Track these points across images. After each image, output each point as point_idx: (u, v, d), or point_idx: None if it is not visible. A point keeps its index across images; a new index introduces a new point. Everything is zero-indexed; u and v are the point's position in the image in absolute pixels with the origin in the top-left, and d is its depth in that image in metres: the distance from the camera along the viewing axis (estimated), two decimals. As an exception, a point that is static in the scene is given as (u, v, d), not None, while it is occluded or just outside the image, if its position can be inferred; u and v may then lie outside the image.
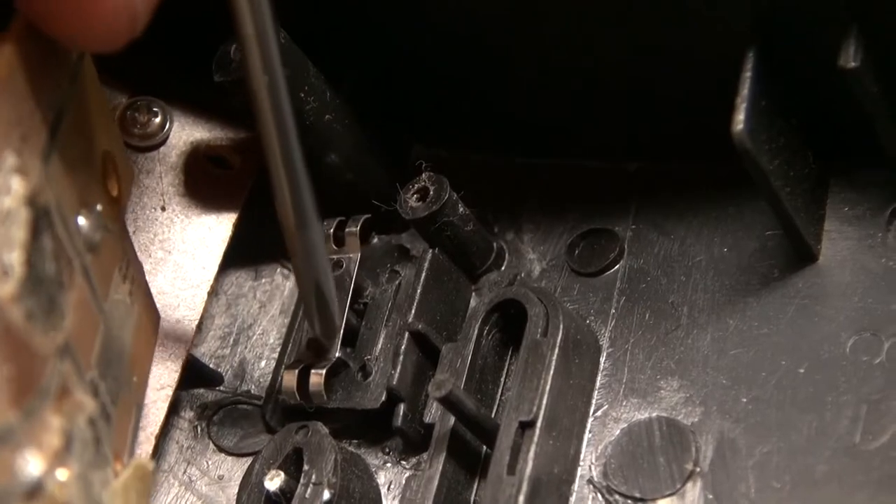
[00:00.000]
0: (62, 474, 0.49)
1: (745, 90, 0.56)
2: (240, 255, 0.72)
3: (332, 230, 0.67)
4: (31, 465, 0.47)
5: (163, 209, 0.69)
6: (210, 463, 0.68)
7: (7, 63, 0.49)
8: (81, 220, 0.55)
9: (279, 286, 0.73)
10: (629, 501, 0.58)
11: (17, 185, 0.47)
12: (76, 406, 0.51)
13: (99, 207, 0.57)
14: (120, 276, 0.59)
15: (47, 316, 0.49)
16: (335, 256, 0.67)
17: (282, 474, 0.61)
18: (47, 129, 0.52)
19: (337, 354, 0.64)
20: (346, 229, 0.68)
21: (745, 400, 0.58)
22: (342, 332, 0.64)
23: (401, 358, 0.63)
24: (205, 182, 0.70)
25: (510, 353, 0.64)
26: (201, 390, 0.70)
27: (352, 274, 0.66)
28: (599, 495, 0.59)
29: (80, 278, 0.53)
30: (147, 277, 0.65)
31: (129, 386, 0.59)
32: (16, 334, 0.46)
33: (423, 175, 0.66)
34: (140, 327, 0.61)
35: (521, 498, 0.56)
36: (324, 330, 0.63)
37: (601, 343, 0.63)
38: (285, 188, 0.56)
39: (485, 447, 0.60)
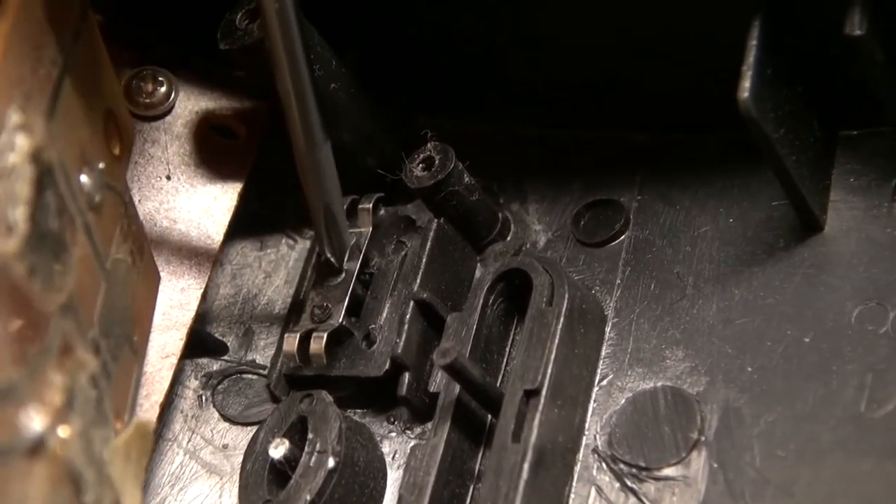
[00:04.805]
0: (64, 431, 0.49)
1: (750, 58, 0.56)
2: (245, 226, 0.72)
3: (345, 206, 0.68)
4: (34, 421, 0.47)
5: (168, 178, 0.69)
6: (215, 432, 0.68)
7: (9, 23, 0.49)
8: (84, 178, 0.55)
9: (284, 256, 0.73)
10: (634, 470, 0.58)
11: (22, 142, 0.48)
12: (78, 364, 0.51)
13: (101, 165, 0.57)
14: (121, 236, 0.59)
15: (51, 273, 0.49)
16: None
17: (286, 442, 0.61)
18: (51, 87, 0.52)
19: (341, 321, 0.64)
20: (360, 206, 0.68)
21: (750, 369, 0.58)
22: (348, 298, 0.65)
23: (406, 327, 0.63)
24: (210, 152, 0.70)
25: (515, 322, 0.64)
26: (206, 359, 0.70)
27: (361, 248, 0.66)
28: (604, 464, 0.59)
29: (82, 236, 0.54)
30: (152, 246, 0.65)
31: (130, 344, 0.59)
32: (19, 290, 0.47)
33: (429, 144, 0.66)
34: (141, 287, 0.62)
35: (526, 466, 0.56)
36: (332, 248, 0.64)
37: (606, 313, 0.63)
38: (294, 108, 0.58)
39: (490, 416, 0.60)
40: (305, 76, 0.57)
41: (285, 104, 0.58)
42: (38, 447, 0.47)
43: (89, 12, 0.58)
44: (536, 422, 0.57)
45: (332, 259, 0.65)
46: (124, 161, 0.62)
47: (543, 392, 0.58)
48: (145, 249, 0.63)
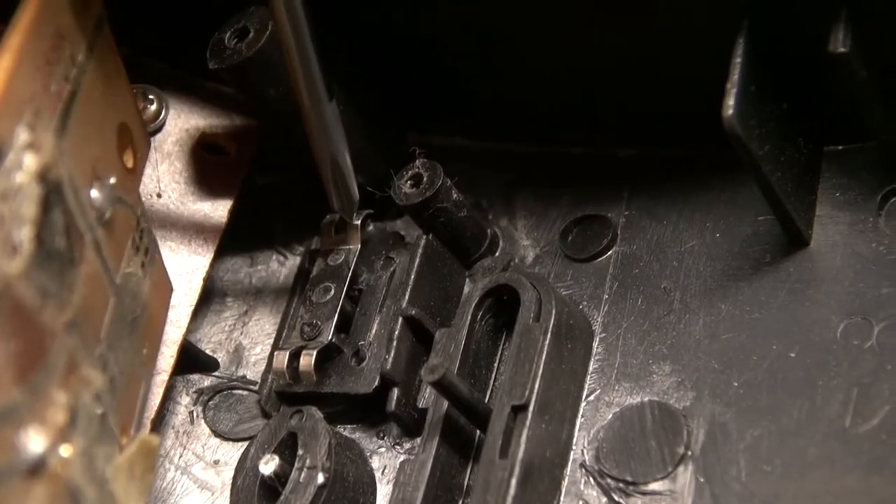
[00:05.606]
0: (66, 450, 0.48)
1: (735, 75, 0.56)
2: (235, 242, 0.72)
3: (334, 224, 0.68)
4: (34, 442, 0.47)
5: (159, 196, 0.70)
6: (206, 447, 0.68)
7: (20, 39, 0.49)
8: (94, 193, 0.54)
9: (274, 272, 0.73)
10: (621, 485, 0.58)
11: (29, 161, 0.47)
12: (83, 381, 0.51)
13: (112, 180, 0.56)
14: (133, 249, 0.58)
15: (56, 292, 0.49)
16: (335, 247, 0.67)
17: (276, 458, 0.61)
18: (62, 102, 0.52)
19: (330, 338, 0.64)
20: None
21: (736, 384, 0.58)
22: (337, 315, 0.65)
23: (394, 343, 0.63)
24: (200, 169, 0.70)
25: (503, 338, 0.64)
26: (197, 376, 0.71)
27: (350, 265, 0.67)
28: (591, 479, 0.59)
29: (91, 253, 0.53)
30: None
31: (139, 358, 0.59)
32: (24, 311, 0.46)
33: (417, 161, 0.66)
34: (152, 299, 0.61)
35: (514, 481, 0.56)
36: (341, 202, 0.65)
37: (594, 328, 0.63)
38: (298, 68, 0.60)
39: (478, 431, 0.61)
40: (308, 37, 0.59)
41: (290, 66, 0.60)
42: (37, 467, 0.47)
43: (105, 25, 0.57)
44: (524, 437, 0.57)
45: (342, 213, 0.66)
46: (138, 174, 0.61)
47: (531, 407, 0.58)
48: (157, 260, 0.63)
